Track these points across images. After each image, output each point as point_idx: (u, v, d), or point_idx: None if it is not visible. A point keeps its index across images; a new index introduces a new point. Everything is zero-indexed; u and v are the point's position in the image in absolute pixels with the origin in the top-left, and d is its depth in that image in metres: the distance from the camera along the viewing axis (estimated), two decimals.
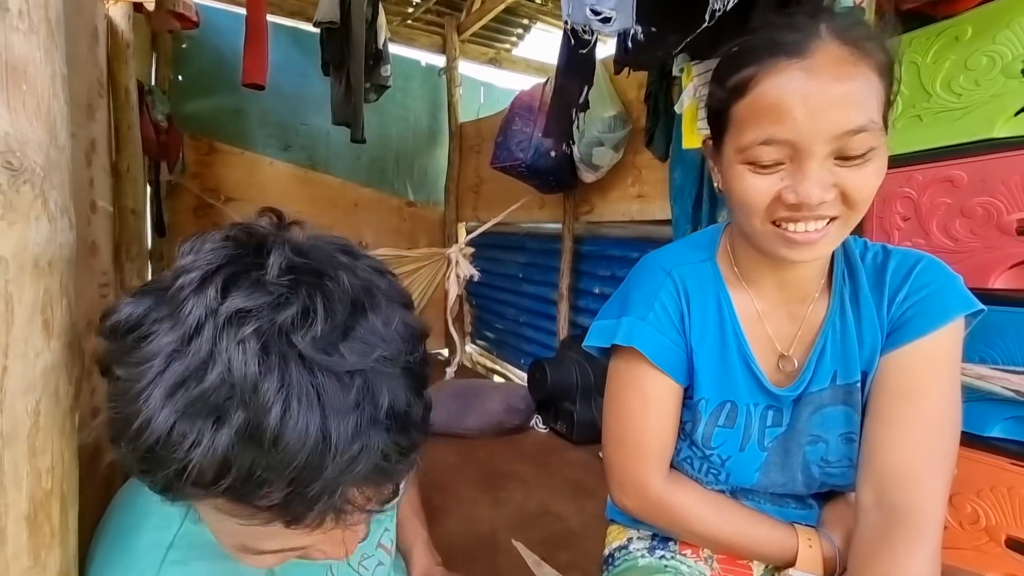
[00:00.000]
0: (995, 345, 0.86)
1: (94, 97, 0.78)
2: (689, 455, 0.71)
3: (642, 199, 2.26)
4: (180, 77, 2.78)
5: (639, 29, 0.97)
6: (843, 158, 0.54)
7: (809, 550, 0.66)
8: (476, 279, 2.82)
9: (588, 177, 2.31)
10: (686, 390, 0.71)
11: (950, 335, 0.61)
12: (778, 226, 0.58)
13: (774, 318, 0.69)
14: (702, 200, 1.84)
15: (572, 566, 1.35)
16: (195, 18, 1.92)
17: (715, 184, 0.67)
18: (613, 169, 2.30)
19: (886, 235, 0.98)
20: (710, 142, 0.66)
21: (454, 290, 2.84)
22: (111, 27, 1.39)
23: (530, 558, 1.38)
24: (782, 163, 0.56)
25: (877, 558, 0.57)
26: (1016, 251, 0.83)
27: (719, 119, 0.62)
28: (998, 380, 0.82)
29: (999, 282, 0.86)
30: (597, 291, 2.58)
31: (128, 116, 1.64)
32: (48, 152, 0.38)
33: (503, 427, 2.24)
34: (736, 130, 0.58)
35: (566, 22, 1.08)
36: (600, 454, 2.14)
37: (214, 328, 0.32)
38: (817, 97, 0.52)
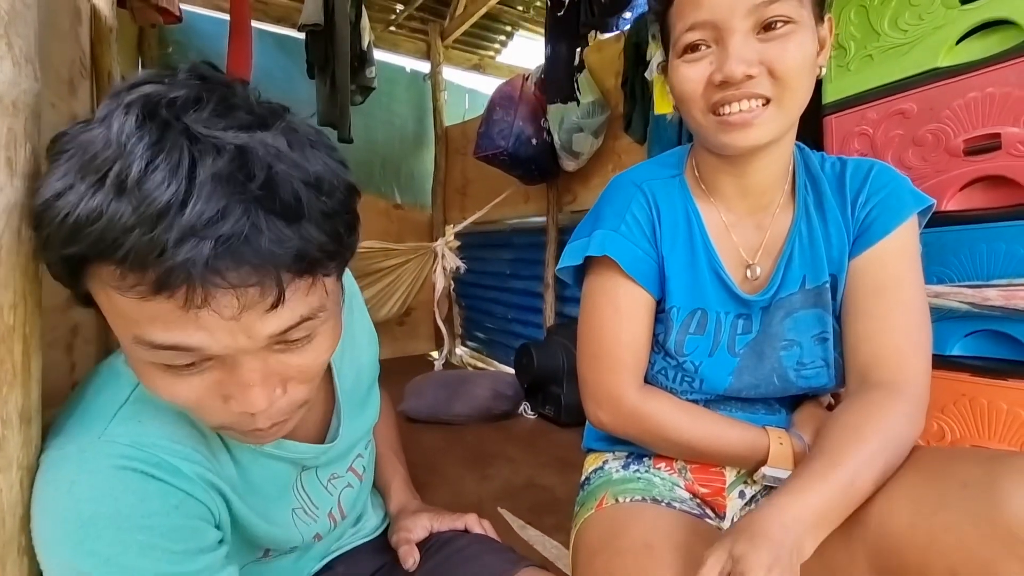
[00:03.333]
0: (950, 264, 0.89)
1: (75, 75, 0.81)
2: (664, 366, 0.73)
3: None
4: None
5: None
6: (764, 30, 0.57)
7: (780, 447, 0.68)
8: (463, 271, 2.84)
9: (569, 165, 2.36)
10: (658, 303, 0.73)
11: (910, 230, 0.65)
12: (716, 114, 0.61)
13: (740, 228, 0.72)
14: None
15: (558, 528, 1.35)
16: (177, 13, 1.96)
17: (673, 108, 0.70)
18: (594, 157, 2.35)
19: None
20: (663, 64, 0.70)
21: (441, 283, 2.86)
22: (95, 12, 1.43)
23: (515, 522, 1.38)
24: (708, 46, 0.59)
25: (851, 410, 0.59)
26: (965, 171, 0.87)
27: (663, 32, 0.66)
28: (954, 296, 0.85)
29: (951, 204, 0.90)
30: None
31: None
32: (14, 3, 0.40)
33: (491, 413, 2.24)
34: (672, 32, 0.63)
35: None
36: None
37: (115, 106, 0.35)
38: None
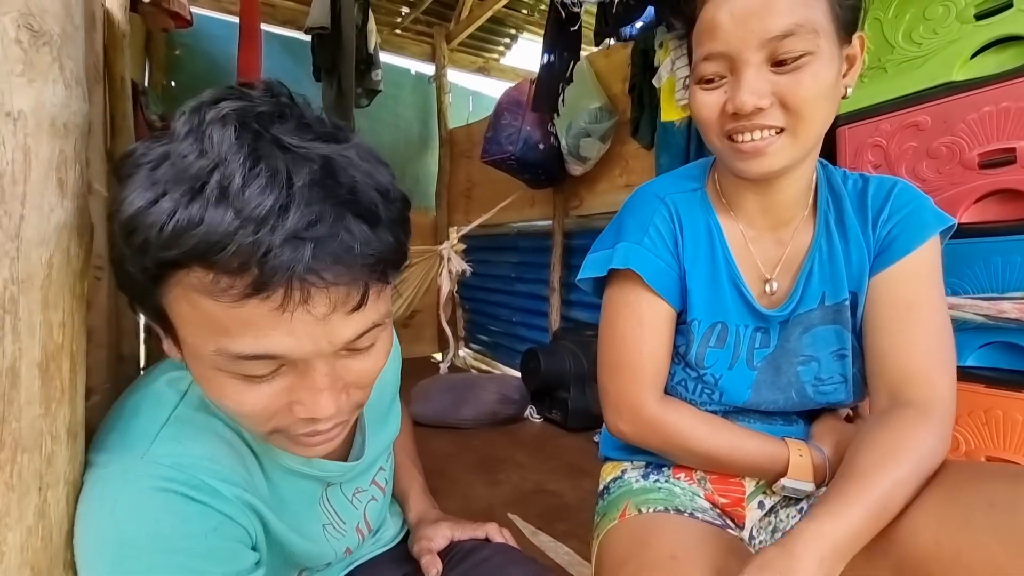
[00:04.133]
0: (965, 276, 0.89)
1: (90, 80, 0.81)
2: (684, 377, 0.73)
3: (630, 188, 2.31)
4: (173, 83, 2.83)
5: None
6: (777, 64, 0.57)
7: (800, 459, 0.68)
8: (468, 274, 2.85)
9: (576, 169, 2.37)
10: (679, 314, 0.73)
11: (932, 248, 0.65)
12: (731, 140, 0.62)
13: (760, 242, 0.72)
14: None
15: (569, 535, 1.36)
16: (189, 17, 1.97)
17: (680, 115, 0.71)
18: (600, 161, 2.36)
19: None
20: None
21: (446, 286, 2.86)
22: (108, 17, 1.44)
23: (526, 528, 1.38)
24: (724, 76, 0.60)
25: (882, 428, 0.60)
26: (980, 184, 0.88)
27: (689, 51, 0.67)
28: (969, 307, 0.86)
29: (966, 216, 0.91)
30: None
31: (123, 105, 1.67)
32: (64, 25, 0.41)
33: (498, 417, 2.24)
34: (694, 55, 0.64)
35: None
36: (595, 438, 2.14)
37: (200, 122, 0.36)
38: (743, 6, 0.56)
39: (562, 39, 1.37)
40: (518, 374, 3.08)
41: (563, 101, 1.81)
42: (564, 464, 1.85)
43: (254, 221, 0.33)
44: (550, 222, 2.78)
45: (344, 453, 0.64)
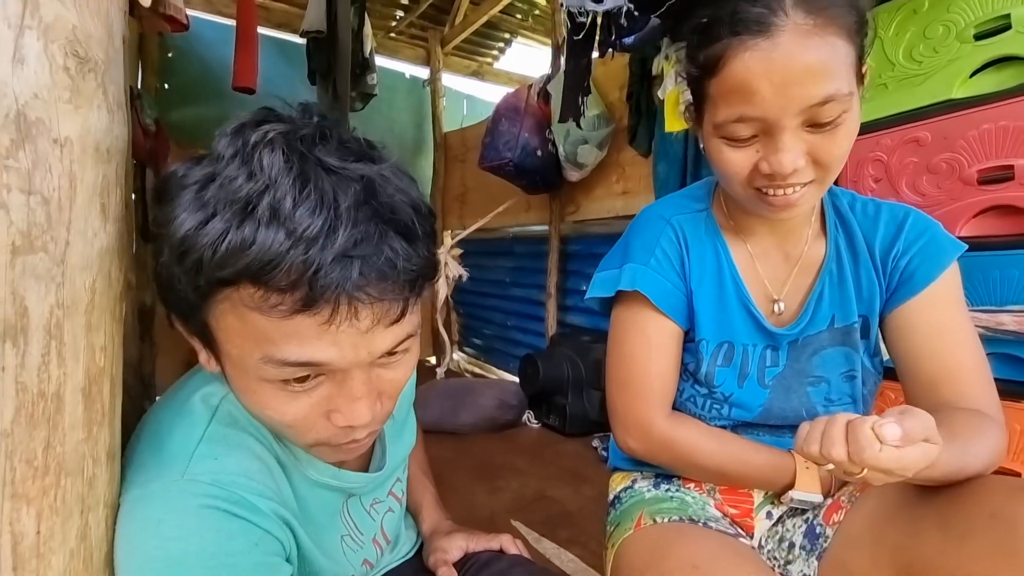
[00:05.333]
0: (964, 289, 0.91)
1: None
2: (693, 394, 0.75)
3: (627, 195, 2.33)
4: (166, 85, 2.80)
5: (630, 7, 1.03)
6: (814, 126, 0.57)
7: (806, 471, 0.70)
8: (464, 279, 2.85)
9: (573, 176, 2.39)
10: (687, 333, 0.75)
11: (953, 273, 0.67)
12: (757, 190, 0.62)
13: (767, 260, 0.74)
14: None
15: (572, 542, 1.37)
16: (185, 21, 1.95)
17: (700, 146, 0.72)
18: (597, 168, 2.38)
19: None
20: (692, 108, 0.70)
21: (443, 291, 2.86)
22: None
23: (530, 535, 1.39)
24: (756, 136, 0.59)
25: (958, 412, 0.60)
26: (979, 200, 0.91)
27: (696, 90, 0.66)
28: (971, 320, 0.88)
29: (965, 231, 0.93)
30: (585, 288, 2.63)
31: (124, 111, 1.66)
32: (107, 49, 0.41)
33: (496, 422, 2.25)
34: (711, 106, 0.62)
35: (561, 4, 1.15)
36: (594, 444, 2.15)
37: (244, 144, 0.38)
38: (782, 74, 0.54)
39: (577, 49, 1.38)
40: (513, 378, 3.09)
41: (584, 113, 1.81)
42: (563, 470, 1.86)
43: (305, 241, 0.35)
44: (546, 227, 2.79)
45: (365, 464, 0.65)
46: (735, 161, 0.61)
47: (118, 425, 0.44)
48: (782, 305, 0.72)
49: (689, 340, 0.75)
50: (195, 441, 0.46)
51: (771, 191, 0.61)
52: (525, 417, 2.36)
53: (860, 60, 0.60)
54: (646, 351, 0.73)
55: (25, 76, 0.36)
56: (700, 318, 0.72)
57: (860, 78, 0.60)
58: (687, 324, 0.74)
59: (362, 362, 0.41)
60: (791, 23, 0.54)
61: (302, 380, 0.41)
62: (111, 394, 0.42)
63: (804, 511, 0.73)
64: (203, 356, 0.45)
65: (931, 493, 0.58)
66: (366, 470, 0.64)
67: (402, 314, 0.41)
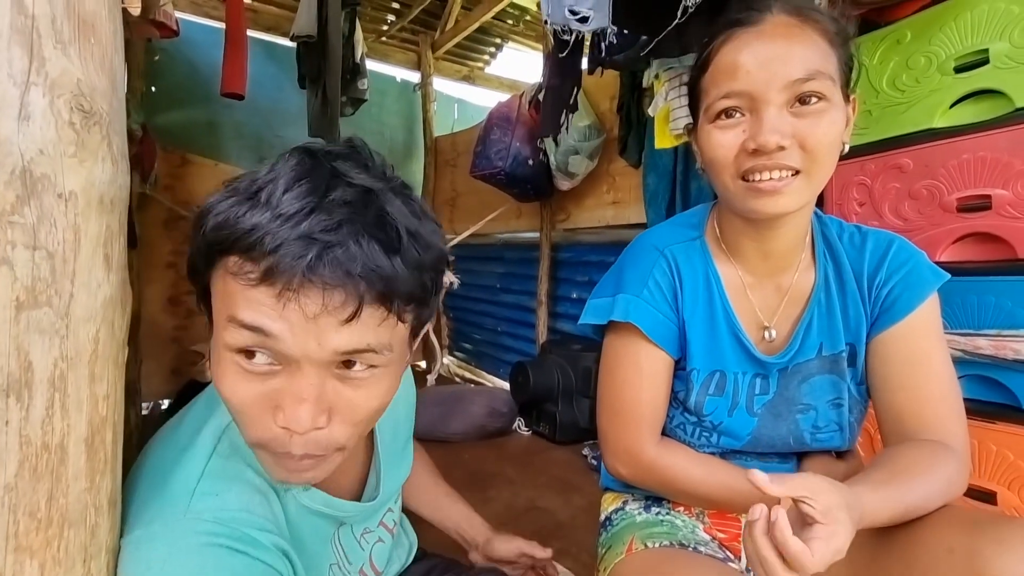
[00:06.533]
0: (943, 313, 0.95)
1: None
2: (682, 421, 0.76)
3: (617, 205, 2.35)
4: (153, 88, 2.76)
5: (615, 29, 1.05)
6: (799, 103, 0.60)
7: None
8: (455, 287, 2.86)
9: (564, 185, 2.40)
10: (678, 361, 0.76)
11: (932, 304, 0.69)
12: (746, 180, 0.64)
13: (759, 289, 0.75)
14: (675, 203, 1.94)
15: (563, 553, 1.38)
16: (175, 27, 1.93)
17: (697, 165, 0.74)
18: (588, 177, 2.39)
19: (845, 219, 1.08)
20: (691, 126, 0.73)
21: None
22: None
23: None
24: (743, 114, 0.62)
25: (912, 445, 0.63)
26: (958, 226, 0.94)
27: (693, 95, 0.70)
28: (948, 343, 0.91)
29: (944, 255, 0.96)
30: (575, 296, 2.65)
31: None
32: (111, 100, 0.41)
33: (486, 430, 2.26)
34: (704, 97, 0.66)
35: (546, 22, 1.16)
36: (584, 452, 2.16)
37: (286, 156, 0.44)
38: (766, 51, 0.60)
39: (561, 65, 1.39)
40: (502, 383, 3.10)
41: (567, 129, 1.83)
42: (554, 479, 1.88)
43: (280, 218, 0.39)
44: (537, 234, 2.80)
45: (358, 493, 0.65)
46: (722, 142, 0.63)
47: (119, 470, 0.44)
48: (773, 333, 0.74)
49: (680, 368, 0.76)
50: (196, 478, 0.47)
51: (758, 176, 0.62)
52: (515, 425, 2.37)
53: (844, 73, 0.63)
54: (637, 380, 0.74)
55: (31, 133, 0.36)
56: (692, 347, 0.74)
57: (845, 93, 0.63)
58: (678, 353, 0.75)
59: (312, 354, 0.41)
60: (776, 18, 0.61)
61: (250, 355, 0.42)
62: (113, 441, 0.42)
63: None
64: (208, 329, 0.47)
65: (893, 530, 0.60)
66: (359, 499, 0.64)
67: (355, 314, 0.40)
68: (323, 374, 0.42)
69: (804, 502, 0.48)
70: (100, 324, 0.40)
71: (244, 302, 0.40)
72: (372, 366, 0.44)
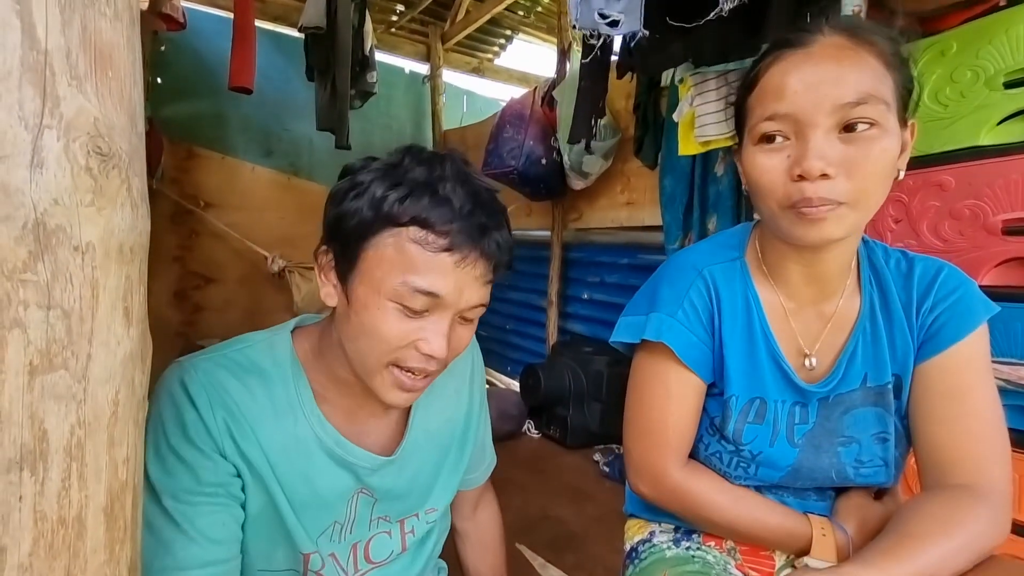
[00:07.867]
0: None
1: None
2: (719, 450, 0.73)
3: (631, 206, 2.31)
4: (159, 80, 2.72)
5: (647, 33, 1.00)
6: (846, 130, 0.56)
7: (823, 538, 0.68)
8: None
9: (577, 184, 2.36)
10: (712, 385, 0.73)
11: (981, 336, 0.65)
12: (792, 208, 0.60)
13: (801, 315, 0.72)
14: (692, 207, 1.89)
15: (578, 567, 1.36)
16: (182, 20, 1.89)
17: (743, 186, 0.70)
18: (602, 177, 2.35)
19: (879, 237, 1.04)
20: (737, 146, 0.69)
21: None
22: None
23: (535, 560, 1.38)
24: (788, 138, 0.59)
25: (936, 502, 0.60)
26: (1002, 249, 0.89)
27: (739, 115, 0.66)
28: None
29: (987, 279, 0.92)
30: (586, 297, 2.62)
31: None
32: (130, 138, 0.38)
33: (496, 433, 2.22)
34: (749, 117, 0.63)
35: (574, 26, 1.11)
36: (595, 457, 2.14)
37: (415, 154, 0.57)
38: (815, 75, 0.57)
39: (593, 66, 1.35)
40: (511, 381, 3.08)
41: (596, 134, 1.79)
42: (566, 486, 1.86)
43: (460, 211, 0.53)
44: (548, 233, 2.76)
45: (387, 452, 0.68)
46: (767, 166, 0.60)
47: (139, 534, 0.41)
48: (814, 360, 0.71)
49: (717, 393, 0.73)
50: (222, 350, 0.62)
51: (803, 206, 0.59)
52: (525, 427, 2.35)
53: (901, 97, 0.59)
54: (666, 402, 0.71)
55: (44, 182, 0.33)
56: (730, 373, 0.71)
57: (902, 117, 0.59)
58: (710, 378, 0.72)
59: (458, 305, 0.55)
60: (828, 39, 0.58)
61: (415, 312, 0.54)
62: (134, 505, 0.39)
63: None
64: (325, 290, 0.58)
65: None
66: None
67: (493, 277, 0.58)
68: (455, 320, 0.57)
69: None
70: (120, 384, 0.37)
71: (425, 268, 0.53)
72: (478, 313, 0.60)
